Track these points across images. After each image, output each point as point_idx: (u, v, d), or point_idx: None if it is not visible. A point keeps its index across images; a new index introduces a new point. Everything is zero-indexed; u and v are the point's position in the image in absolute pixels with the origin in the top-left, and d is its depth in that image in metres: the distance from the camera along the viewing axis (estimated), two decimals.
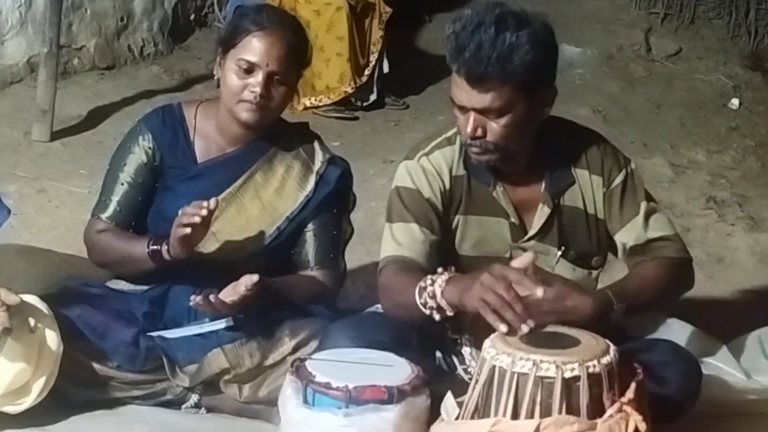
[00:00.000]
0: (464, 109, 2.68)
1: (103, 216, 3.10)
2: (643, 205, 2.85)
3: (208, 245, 3.05)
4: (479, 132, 2.67)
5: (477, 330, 2.63)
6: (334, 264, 3.17)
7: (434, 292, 2.58)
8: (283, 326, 2.96)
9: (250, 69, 2.99)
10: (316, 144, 3.18)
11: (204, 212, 2.84)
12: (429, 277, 2.62)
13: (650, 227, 2.84)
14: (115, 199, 3.10)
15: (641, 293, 2.73)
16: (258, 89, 2.97)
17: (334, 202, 3.15)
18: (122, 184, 3.10)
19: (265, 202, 3.10)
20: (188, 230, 2.86)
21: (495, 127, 2.67)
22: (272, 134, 3.13)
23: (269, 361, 2.93)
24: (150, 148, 3.09)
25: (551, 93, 2.73)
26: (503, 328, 2.40)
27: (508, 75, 2.59)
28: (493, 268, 2.48)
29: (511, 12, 2.63)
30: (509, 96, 2.63)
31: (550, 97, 2.74)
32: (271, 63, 2.98)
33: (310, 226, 3.13)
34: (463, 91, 2.65)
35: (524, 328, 2.40)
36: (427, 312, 2.60)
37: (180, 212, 2.88)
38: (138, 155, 3.10)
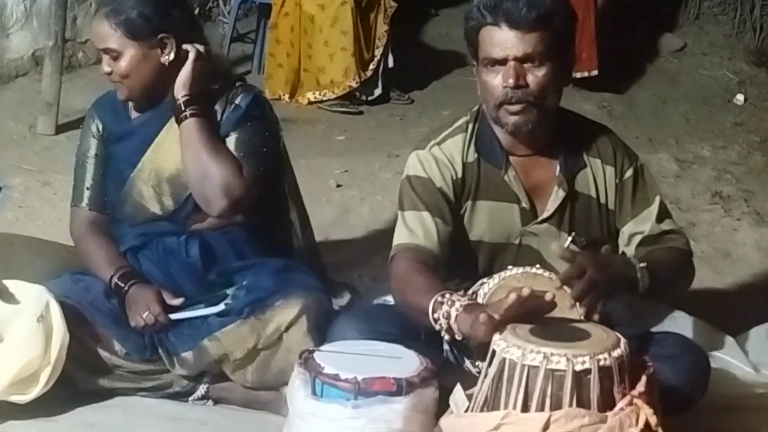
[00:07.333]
0: (499, 65, 2.71)
1: (81, 204, 3.19)
2: (658, 198, 2.88)
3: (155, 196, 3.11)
4: (521, 81, 2.71)
5: None
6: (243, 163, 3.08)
7: (449, 314, 2.56)
8: (274, 305, 2.96)
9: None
10: (238, 85, 3.18)
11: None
12: (448, 295, 2.60)
13: (663, 220, 2.87)
14: (85, 182, 3.19)
15: (660, 268, 2.72)
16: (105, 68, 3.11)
17: (249, 119, 3.11)
18: (83, 164, 3.20)
19: None
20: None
21: (534, 77, 2.71)
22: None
23: (264, 341, 2.94)
24: (93, 119, 3.21)
25: (572, 59, 2.83)
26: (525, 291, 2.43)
27: (545, 16, 2.69)
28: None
29: None
30: (548, 43, 2.70)
31: (571, 63, 2.83)
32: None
33: (232, 140, 3.08)
34: (502, 41, 2.70)
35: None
36: (437, 327, 2.59)
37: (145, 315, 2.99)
38: (87, 132, 3.21)
